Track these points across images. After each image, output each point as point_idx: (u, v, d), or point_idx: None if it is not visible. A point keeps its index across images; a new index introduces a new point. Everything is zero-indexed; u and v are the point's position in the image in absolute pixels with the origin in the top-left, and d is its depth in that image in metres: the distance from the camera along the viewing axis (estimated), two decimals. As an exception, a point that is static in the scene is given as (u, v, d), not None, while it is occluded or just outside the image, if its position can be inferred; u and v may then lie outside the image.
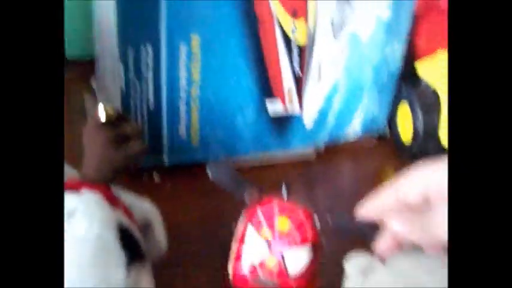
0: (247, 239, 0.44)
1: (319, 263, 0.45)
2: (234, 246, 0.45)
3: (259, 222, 0.43)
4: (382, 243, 0.41)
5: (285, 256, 0.42)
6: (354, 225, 0.45)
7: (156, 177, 0.67)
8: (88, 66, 0.89)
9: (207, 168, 0.47)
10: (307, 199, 0.69)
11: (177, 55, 0.61)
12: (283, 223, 0.43)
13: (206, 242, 0.57)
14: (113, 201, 0.40)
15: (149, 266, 0.39)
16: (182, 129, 0.66)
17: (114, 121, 0.43)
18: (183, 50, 0.61)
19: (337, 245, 0.46)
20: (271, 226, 0.43)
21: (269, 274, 0.43)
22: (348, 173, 0.78)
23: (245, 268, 0.43)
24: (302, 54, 0.68)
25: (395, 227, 0.40)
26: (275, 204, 0.44)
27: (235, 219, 0.47)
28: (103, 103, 0.42)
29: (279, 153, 0.74)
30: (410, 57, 0.77)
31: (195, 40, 0.61)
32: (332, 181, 0.74)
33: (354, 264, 0.44)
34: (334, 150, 0.78)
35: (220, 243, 0.56)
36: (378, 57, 0.74)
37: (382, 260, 0.45)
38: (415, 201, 0.39)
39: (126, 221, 0.39)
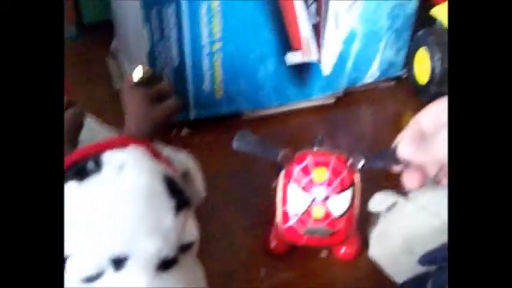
0: (290, 196, 0.47)
1: (357, 201, 0.48)
2: (279, 206, 0.48)
3: (299, 178, 0.46)
4: (406, 176, 0.45)
5: (328, 203, 0.46)
6: (382, 164, 0.49)
7: (184, 132, 0.71)
8: (105, 28, 0.92)
9: (233, 143, 0.49)
10: (330, 143, 0.72)
11: (198, 13, 0.64)
12: (320, 174, 0.46)
13: (236, 191, 0.61)
14: (156, 154, 0.43)
15: (193, 212, 0.43)
16: (206, 84, 0.69)
17: (149, 81, 0.46)
18: (203, 7, 0.64)
19: (366, 184, 0.50)
20: (310, 179, 0.46)
21: (316, 222, 0.47)
22: (367, 116, 0.80)
23: (293, 221, 0.47)
24: (318, 4, 0.69)
25: (402, 150, 0.43)
26: (310, 158, 0.47)
27: (262, 170, 0.50)
28: (138, 65, 0.45)
29: (300, 103, 0.76)
30: (426, 2, 0.79)
31: (215, -4, 0.64)
32: (353, 124, 0.77)
33: (378, 201, 0.48)
34: (353, 95, 0.81)
35: (248, 191, 0.61)
36: (393, 3, 0.75)
37: (406, 195, 0.48)
38: (427, 129, 0.43)
39: (169, 171, 0.42)
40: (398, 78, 0.84)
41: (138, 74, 0.45)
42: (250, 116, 0.75)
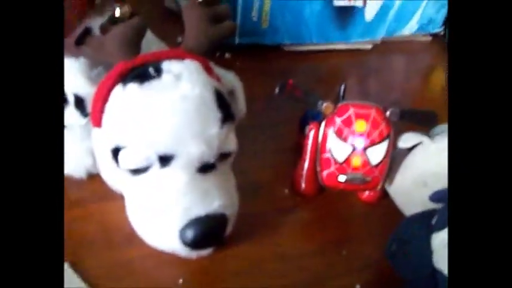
0: (331, 144, 0.51)
1: (391, 150, 0.52)
2: (318, 153, 0.52)
3: (340, 128, 0.50)
4: None
5: (367, 153, 0.51)
6: (417, 113, 0.53)
7: (227, 55, 0.74)
8: None
9: (276, 89, 0.52)
10: (362, 88, 0.76)
11: None
12: (361, 126, 0.50)
13: (270, 115, 0.65)
14: (209, 69, 0.47)
15: (234, 126, 0.48)
16: (254, 13, 0.73)
17: (210, 2, 0.49)
18: None
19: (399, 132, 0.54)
20: (351, 130, 0.50)
21: (355, 169, 0.51)
22: (400, 66, 0.83)
23: (333, 168, 0.51)
24: (372, -50, 0.71)
25: None
26: (351, 110, 0.51)
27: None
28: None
29: (338, 44, 0.80)
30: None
31: None
32: (385, 72, 0.80)
33: (406, 139, 0.52)
34: (390, 44, 0.83)
35: (279, 119, 0.65)
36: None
37: (431, 137, 0.52)
38: None
39: (220, 86, 0.47)
40: (435, 35, 0.87)
41: (199, -6, 0.49)
42: (290, 49, 0.78)
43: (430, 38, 0.87)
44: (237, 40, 0.74)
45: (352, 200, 0.56)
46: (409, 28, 0.84)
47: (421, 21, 0.83)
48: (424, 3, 0.81)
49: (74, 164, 0.53)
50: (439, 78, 0.82)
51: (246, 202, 0.49)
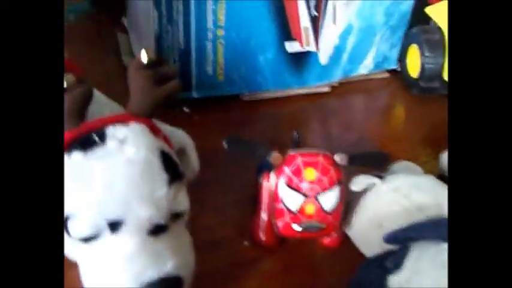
0: (282, 194, 0.51)
1: (345, 194, 0.53)
2: (271, 203, 0.53)
3: (289, 177, 0.51)
4: None
5: (319, 199, 0.51)
6: (366, 156, 0.53)
7: (186, 109, 0.75)
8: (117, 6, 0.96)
9: (224, 143, 0.53)
10: (322, 131, 0.77)
11: (204, 1, 0.68)
12: (310, 173, 0.50)
13: (231, 167, 0.66)
14: (155, 130, 0.48)
15: (185, 185, 0.48)
16: (209, 67, 0.74)
17: (154, 63, 0.50)
18: (209, -5, 0.68)
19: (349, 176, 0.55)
20: (300, 179, 0.51)
21: (309, 217, 0.51)
22: (360, 106, 0.85)
23: (288, 218, 0.52)
24: (318, -2, 0.74)
25: None
26: (299, 160, 0.51)
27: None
28: (144, 48, 0.50)
29: (296, 89, 0.81)
30: (422, 0, 0.82)
31: (221, -14, 0.68)
32: (345, 113, 0.81)
33: (358, 182, 0.53)
34: (347, 85, 0.85)
35: (238, 170, 0.65)
36: (389, 1, 0.79)
37: (382, 178, 0.53)
38: None
39: (166, 147, 0.47)
40: (392, 71, 0.89)
41: (144, 56, 0.50)
42: (248, 98, 0.79)
43: (387, 75, 0.89)
44: (194, 94, 0.75)
45: (314, 246, 0.56)
46: (365, 67, 0.85)
47: (376, 60, 0.85)
48: (376, 42, 0.83)
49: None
50: (399, 114, 0.84)
51: (206, 259, 0.49)
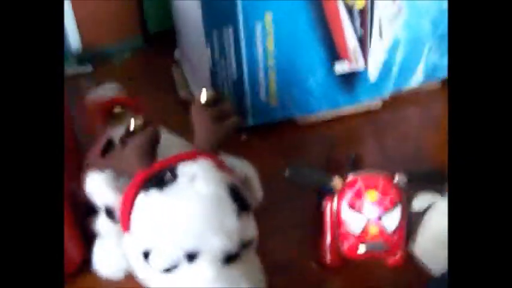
0: (346, 218, 0.54)
1: (406, 212, 0.55)
2: (335, 228, 0.55)
3: (351, 200, 0.53)
4: None
5: (382, 220, 0.53)
6: (424, 174, 0.55)
7: (244, 137, 0.78)
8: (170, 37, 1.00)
9: (286, 172, 0.55)
10: (378, 146, 0.78)
11: (253, 32, 0.71)
12: (372, 195, 0.53)
13: (289, 190, 0.67)
14: (221, 165, 0.51)
15: (252, 214, 0.51)
16: (262, 94, 0.77)
17: (213, 102, 0.54)
18: (258, 27, 0.71)
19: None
20: (362, 201, 0.53)
21: (373, 238, 0.53)
22: (413, 118, 0.86)
23: (352, 240, 0.54)
24: (363, 16, 0.75)
25: None
26: (360, 182, 0.53)
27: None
28: (205, 88, 0.53)
29: (348, 108, 0.83)
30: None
31: (269, 17, 0.71)
32: (399, 127, 0.82)
33: (420, 201, 0.54)
34: (399, 99, 0.86)
35: (298, 194, 0.67)
36: (435, 10, 0.80)
37: (443, 195, 0.54)
38: None
39: (232, 179, 0.50)
40: (443, 81, 0.89)
41: (204, 96, 0.53)
42: (302, 122, 0.81)
43: (438, 85, 0.89)
44: (250, 122, 0.78)
45: (378, 265, 0.58)
46: (415, 79, 0.86)
47: (426, 71, 0.86)
48: (425, 53, 0.84)
49: (112, 268, 0.56)
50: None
51: (277, 281, 0.51)
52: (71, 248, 0.57)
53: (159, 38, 1.08)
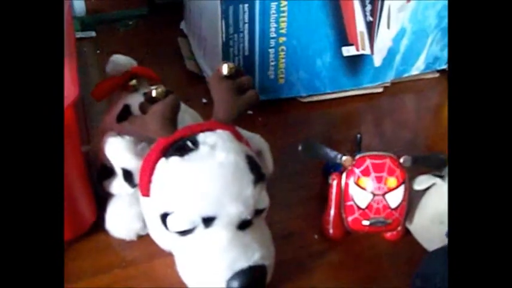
0: (353, 193, 0.57)
1: (408, 192, 0.58)
2: (341, 201, 0.58)
3: (359, 178, 0.57)
4: None
5: (386, 198, 0.56)
6: (426, 158, 0.58)
7: (250, 111, 0.81)
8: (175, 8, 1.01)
9: (299, 147, 0.58)
10: (377, 130, 0.81)
11: (268, 10, 0.73)
12: (378, 174, 0.56)
13: (296, 166, 0.71)
14: (238, 136, 0.54)
15: (265, 184, 0.53)
16: (271, 72, 0.79)
17: (233, 75, 0.56)
18: (273, 6, 0.73)
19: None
20: (370, 179, 0.56)
21: (377, 213, 0.57)
22: (412, 105, 0.89)
23: (357, 214, 0.57)
24: (374, 4, 0.78)
25: None
26: (368, 161, 0.57)
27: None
28: (225, 61, 0.55)
29: (351, 90, 0.86)
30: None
31: (284, -4, 0.73)
32: (398, 112, 0.86)
33: (420, 181, 0.58)
34: (400, 85, 0.89)
35: (304, 167, 0.70)
36: (442, 3, 0.83)
37: (443, 177, 0.58)
38: None
39: (249, 150, 0.53)
40: (442, 71, 0.92)
41: (225, 68, 0.55)
42: (306, 100, 0.84)
43: (437, 75, 0.92)
44: (257, 97, 0.81)
45: (377, 239, 0.61)
46: (417, 68, 0.89)
47: (427, 61, 0.89)
48: (428, 44, 0.87)
49: (125, 228, 0.59)
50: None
51: (281, 250, 0.55)
52: (84, 208, 0.59)
53: (165, 9, 1.09)
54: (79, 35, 1.00)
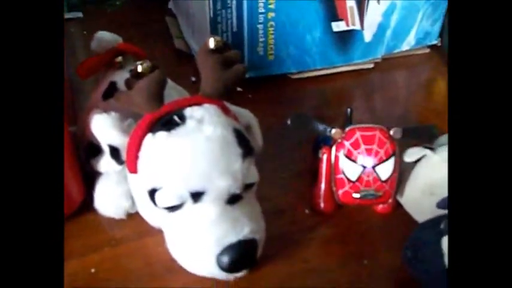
0: (343, 166, 0.57)
1: (399, 164, 0.58)
2: (332, 174, 0.58)
3: (350, 151, 0.56)
4: None
5: (376, 170, 0.56)
6: (417, 130, 0.58)
7: (239, 88, 0.80)
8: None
9: (288, 121, 0.58)
10: (368, 105, 0.81)
11: (256, -15, 0.73)
12: (368, 146, 0.56)
13: (285, 142, 0.71)
14: (226, 110, 0.53)
15: (254, 159, 0.53)
16: (260, 48, 0.79)
17: (220, 49, 0.55)
18: (261, -20, 0.72)
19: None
20: (360, 152, 0.56)
21: (367, 186, 0.57)
22: (403, 80, 0.88)
23: (348, 187, 0.57)
24: (363, -22, 0.77)
25: None
26: (358, 134, 0.56)
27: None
28: (212, 35, 0.54)
29: (342, 66, 0.85)
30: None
31: (272, -29, 0.72)
32: (389, 87, 0.85)
33: (411, 153, 0.57)
34: (390, 61, 0.89)
35: (294, 143, 0.70)
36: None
37: (433, 150, 0.57)
38: None
39: (237, 125, 0.52)
40: (432, 47, 0.92)
41: (212, 42, 0.54)
42: (296, 76, 0.83)
43: (428, 50, 0.92)
44: (246, 74, 0.80)
45: (368, 213, 0.61)
46: (407, 43, 0.89)
47: (417, 36, 0.88)
48: (419, 19, 0.86)
49: (114, 207, 0.58)
50: (440, 88, 0.87)
51: (272, 225, 0.54)
52: (72, 187, 0.58)
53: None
54: (66, 15, 0.99)
